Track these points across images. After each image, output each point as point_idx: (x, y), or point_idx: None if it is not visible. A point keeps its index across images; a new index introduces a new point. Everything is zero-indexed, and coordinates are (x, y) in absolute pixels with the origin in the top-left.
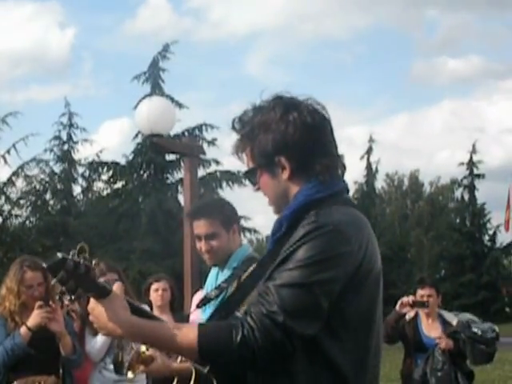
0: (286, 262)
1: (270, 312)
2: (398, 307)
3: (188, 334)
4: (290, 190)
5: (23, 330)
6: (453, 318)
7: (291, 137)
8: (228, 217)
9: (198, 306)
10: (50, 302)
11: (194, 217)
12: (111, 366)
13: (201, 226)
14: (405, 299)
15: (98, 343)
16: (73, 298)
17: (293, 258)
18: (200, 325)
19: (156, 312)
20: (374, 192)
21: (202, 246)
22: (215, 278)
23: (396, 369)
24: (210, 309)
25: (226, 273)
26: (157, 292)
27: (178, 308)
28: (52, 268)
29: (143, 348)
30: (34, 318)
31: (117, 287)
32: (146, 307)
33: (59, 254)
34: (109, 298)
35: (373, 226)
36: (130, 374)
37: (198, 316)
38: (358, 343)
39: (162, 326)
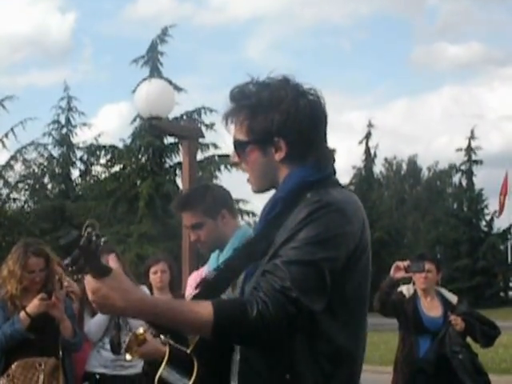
0: (291, 240)
1: (283, 288)
2: (392, 272)
3: (203, 308)
4: (280, 171)
5: (23, 315)
6: (452, 297)
7: (298, 123)
8: (211, 204)
9: (198, 287)
10: (53, 297)
11: (178, 210)
12: (109, 346)
13: (185, 218)
14: (399, 263)
15: (96, 324)
16: (78, 277)
17: (298, 236)
18: (214, 301)
19: (156, 293)
20: (372, 176)
21: (191, 236)
22: (216, 259)
23: (391, 351)
24: None
25: (227, 254)
26: (156, 274)
27: (177, 288)
28: (68, 246)
29: (141, 330)
30: (35, 307)
31: (114, 264)
32: (145, 289)
33: (74, 232)
34: (112, 275)
35: (370, 209)
36: (127, 356)
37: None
38: (354, 319)
39: (176, 301)
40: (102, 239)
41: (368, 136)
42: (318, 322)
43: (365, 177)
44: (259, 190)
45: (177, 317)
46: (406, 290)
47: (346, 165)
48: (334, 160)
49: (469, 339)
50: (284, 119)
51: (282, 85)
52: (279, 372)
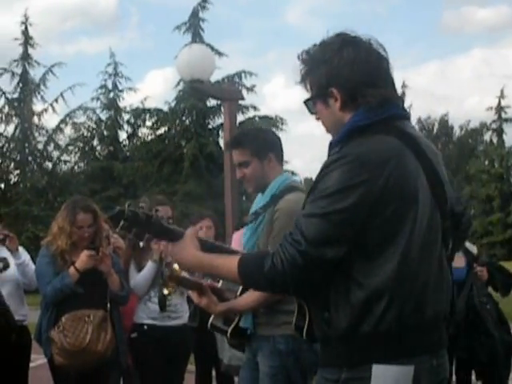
0: (312, 192)
1: (293, 241)
2: None
3: (233, 262)
4: (343, 119)
5: (72, 270)
6: (472, 248)
7: (343, 70)
8: (261, 146)
9: (238, 229)
10: (100, 250)
11: (229, 147)
12: (156, 299)
13: (234, 156)
14: None
15: (142, 278)
16: (142, 244)
17: (316, 189)
18: (242, 255)
19: None
20: None
21: (237, 173)
22: (258, 203)
23: None
24: (249, 231)
25: (265, 199)
26: (201, 230)
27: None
28: (112, 218)
29: (176, 266)
30: (83, 262)
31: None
32: None
33: (118, 207)
34: (182, 240)
35: None
36: (165, 291)
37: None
38: (389, 262)
39: (216, 257)
40: (153, 210)
41: (402, 97)
42: (351, 267)
43: None
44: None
45: (215, 270)
46: None
47: None
48: (402, 100)
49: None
50: (330, 70)
51: (330, 39)
52: (320, 310)
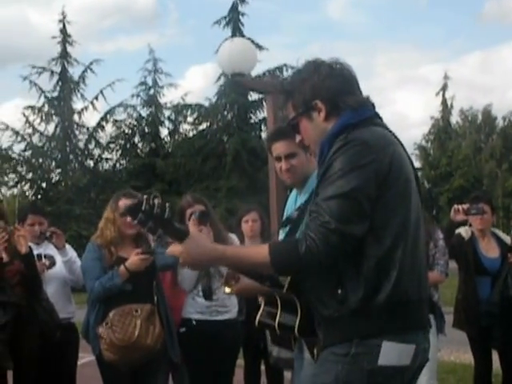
0: (325, 175)
1: (323, 222)
2: (452, 215)
3: (262, 250)
4: (328, 129)
5: (122, 270)
6: (506, 238)
7: (324, 83)
8: None
9: (281, 226)
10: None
11: (274, 139)
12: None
13: (280, 147)
14: (458, 206)
15: (188, 273)
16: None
17: (330, 171)
18: (271, 243)
19: (247, 241)
20: (449, 126)
21: (282, 165)
22: (294, 200)
23: (452, 292)
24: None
25: (305, 195)
26: (247, 223)
27: (268, 237)
28: (131, 210)
29: None
30: (136, 265)
31: (192, 227)
32: (235, 238)
33: (137, 199)
34: (190, 237)
35: (450, 159)
36: (226, 289)
37: None
38: (395, 239)
39: (241, 247)
40: (167, 204)
41: (444, 88)
42: (360, 244)
43: (442, 127)
44: None
45: (243, 260)
46: (464, 232)
47: (424, 116)
48: (373, 106)
49: None
50: (312, 85)
51: (307, 64)
52: (332, 288)
